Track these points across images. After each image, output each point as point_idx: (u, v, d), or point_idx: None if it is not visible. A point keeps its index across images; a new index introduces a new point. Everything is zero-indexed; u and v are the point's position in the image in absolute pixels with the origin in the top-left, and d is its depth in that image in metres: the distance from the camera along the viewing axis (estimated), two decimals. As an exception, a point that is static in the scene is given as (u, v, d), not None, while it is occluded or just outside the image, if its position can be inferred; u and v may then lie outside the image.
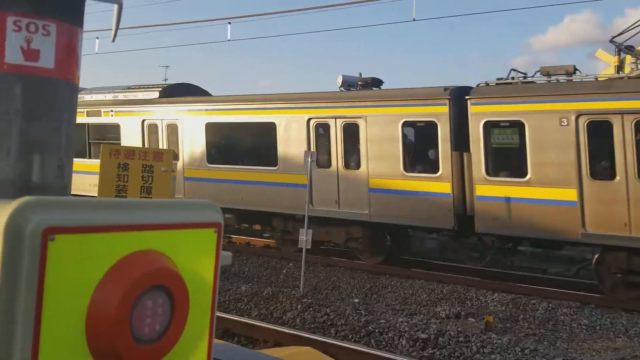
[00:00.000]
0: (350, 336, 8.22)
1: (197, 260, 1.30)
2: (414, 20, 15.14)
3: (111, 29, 1.83)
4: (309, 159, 10.94)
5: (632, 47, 13.35)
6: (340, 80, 15.50)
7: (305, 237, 10.72)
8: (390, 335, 8.02)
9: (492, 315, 9.43)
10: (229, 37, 17.69)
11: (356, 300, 10.98)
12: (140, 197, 5.63)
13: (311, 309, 9.15)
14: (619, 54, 13.72)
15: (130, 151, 5.68)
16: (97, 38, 20.43)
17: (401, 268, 12.61)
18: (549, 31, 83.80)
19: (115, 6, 1.67)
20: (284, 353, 4.39)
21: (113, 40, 1.88)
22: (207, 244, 1.32)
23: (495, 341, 7.53)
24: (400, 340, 7.85)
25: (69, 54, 1.47)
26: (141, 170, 5.59)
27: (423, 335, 7.81)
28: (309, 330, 8.41)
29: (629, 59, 14.29)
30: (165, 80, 41.59)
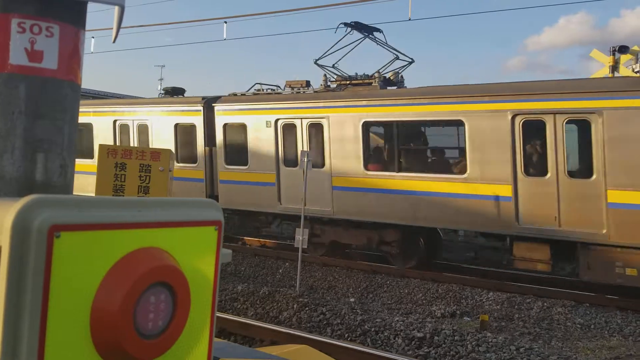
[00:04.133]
0: (347, 335, 8.25)
1: (198, 257, 1.32)
2: (409, 20, 15.13)
3: (111, 29, 1.85)
4: (305, 159, 10.98)
5: (626, 47, 13.46)
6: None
7: (301, 236, 10.75)
8: (386, 334, 8.06)
9: (488, 314, 9.48)
10: (225, 36, 17.68)
11: (352, 299, 11.02)
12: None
13: (307, 308, 9.18)
14: (613, 54, 13.84)
15: (128, 151, 5.70)
16: (93, 37, 20.41)
17: (397, 267, 12.64)
18: (545, 31, 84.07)
19: (117, 7, 1.70)
20: (281, 351, 4.41)
21: (114, 41, 1.91)
22: (208, 241, 1.34)
23: (490, 340, 7.57)
24: (396, 339, 7.89)
25: (71, 55, 1.50)
26: (138, 170, 5.61)
27: (419, 334, 7.85)
28: (305, 330, 8.44)
29: (623, 59, 14.41)
30: (161, 79, 41.48)
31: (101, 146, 5.93)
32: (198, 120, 14.85)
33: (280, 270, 13.24)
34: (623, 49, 13.42)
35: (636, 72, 14.07)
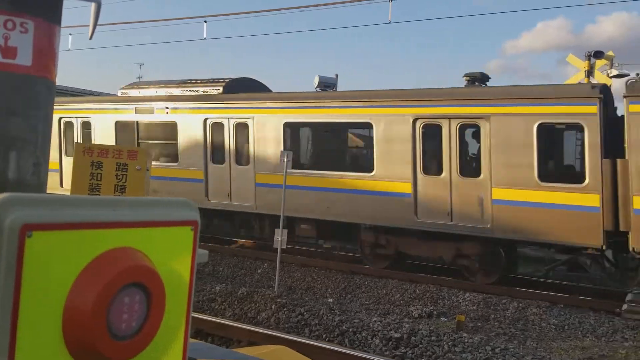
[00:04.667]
0: (324, 336, 8.25)
1: (174, 257, 1.31)
2: (389, 22, 15.20)
3: (88, 26, 1.83)
4: (285, 159, 10.96)
5: (601, 52, 13.74)
6: (316, 80, 15.57)
7: (280, 237, 10.74)
8: (363, 334, 8.08)
9: (464, 315, 9.57)
10: (205, 35, 17.56)
11: (330, 300, 11.03)
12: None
13: (285, 308, 9.16)
14: (589, 59, 14.13)
15: (104, 149, 5.63)
16: (70, 34, 20.12)
17: (375, 268, 12.70)
18: (523, 36, 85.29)
19: (93, 4, 1.68)
20: (259, 352, 4.40)
21: (90, 38, 1.88)
22: (184, 241, 1.34)
23: (466, 340, 7.64)
24: (374, 339, 7.92)
25: (46, 52, 1.47)
26: (115, 169, 5.54)
27: (396, 335, 7.89)
28: (283, 330, 8.43)
29: (598, 64, 14.71)
30: (139, 77, 41.10)
31: (77, 144, 5.84)
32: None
33: (258, 271, 13.20)
34: (598, 54, 13.71)
35: (610, 77, 14.39)
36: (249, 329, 7.89)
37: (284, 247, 10.84)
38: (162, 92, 15.57)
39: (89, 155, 5.56)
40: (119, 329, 1.14)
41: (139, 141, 15.48)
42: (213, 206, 14.20)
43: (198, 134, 14.48)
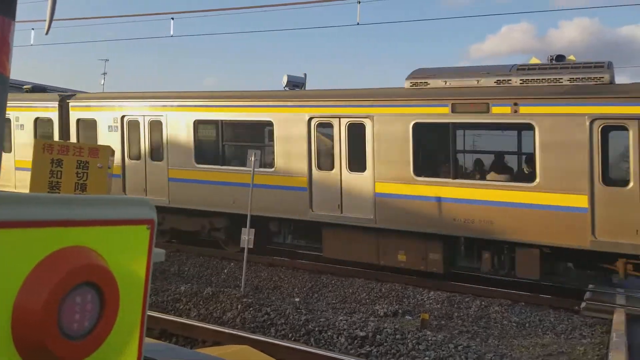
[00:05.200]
0: (290, 335, 8.25)
1: (129, 257, 1.30)
2: (358, 24, 15.28)
3: (45, 21, 1.80)
4: (252, 158, 10.93)
5: (563, 56, 14.08)
6: (285, 79, 15.52)
7: (247, 236, 10.69)
8: (329, 333, 8.11)
9: (428, 313, 9.69)
10: (172, 32, 17.34)
11: (297, 299, 11.04)
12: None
13: (251, 308, 9.13)
14: (550, 62, 14.41)
15: (65, 147, 5.50)
16: (33, 29, 19.61)
17: (341, 267, 12.76)
18: (488, 39, 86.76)
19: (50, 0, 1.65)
20: (222, 352, 4.38)
21: (46, 33, 1.85)
22: (140, 240, 1.33)
23: (430, 338, 7.74)
24: (339, 338, 7.96)
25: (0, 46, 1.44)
26: (75, 167, 5.43)
27: (361, 333, 7.94)
28: (249, 330, 8.40)
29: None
30: (104, 74, 40.28)
31: (37, 141, 5.70)
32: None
33: (225, 271, 13.11)
34: (560, 58, 14.00)
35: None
36: (214, 329, 7.84)
37: (251, 247, 10.80)
38: None
39: (48, 153, 5.44)
40: (71, 329, 1.13)
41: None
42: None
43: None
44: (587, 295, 10.71)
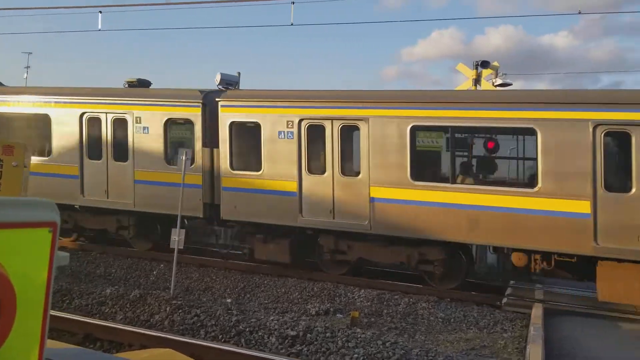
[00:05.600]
0: (220, 336, 8.17)
1: (29, 261, 1.26)
2: (292, 24, 15.29)
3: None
4: (183, 157, 10.75)
5: (487, 62, 14.73)
6: (218, 78, 15.34)
7: (177, 237, 10.49)
8: (260, 333, 8.09)
9: (359, 311, 9.86)
10: (99, 26, 16.75)
11: (229, 300, 10.94)
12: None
13: (181, 310, 8.97)
14: (476, 68, 15.06)
15: (-22, 144, 5.21)
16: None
17: (273, 267, 12.75)
18: (419, 43, 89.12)
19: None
20: (143, 356, 4.28)
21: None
22: (41, 244, 1.29)
23: (359, 335, 7.87)
24: (270, 338, 7.95)
25: None
26: (-10, 165, 5.15)
27: (292, 333, 7.97)
28: (178, 333, 8.25)
29: (485, 73, 15.71)
30: (27, 67, 38.44)
31: (-52, 138, 5.37)
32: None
33: (154, 272, 12.82)
34: (485, 64, 14.66)
35: (496, 86, 15.44)
36: (140, 332, 7.66)
37: (182, 247, 10.62)
38: None
39: (-40, 151, 5.14)
40: (-38, 337, 1.08)
41: None
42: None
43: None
44: (508, 290, 11.21)
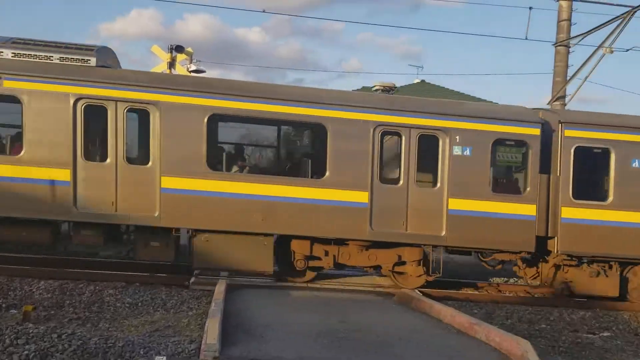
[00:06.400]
0: None
1: None
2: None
3: None
4: None
5: (182, 47, 14.96)
6: None
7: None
8: None
9: (37, 304, 9.13)
10: None
11: None
12: None
13: None
14: (171, 52, 15.17)
15: None
16: None
17: None
18: (117, 20, 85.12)
19: None
20: None
21: None
22: None
23: (31, 331, 7.28)
24: None
25: None
26: None
27: (-55, 338, 6.93)
28: None
29: (180, 57, 15.95)
30: None
31: None
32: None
33: None
34: (179, 49, 14.86)
35: (190, 72, 15.80)
36: None
37: None
38: None
39: None
40: None
41: None
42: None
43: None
44: (197, 270, 11.69)
